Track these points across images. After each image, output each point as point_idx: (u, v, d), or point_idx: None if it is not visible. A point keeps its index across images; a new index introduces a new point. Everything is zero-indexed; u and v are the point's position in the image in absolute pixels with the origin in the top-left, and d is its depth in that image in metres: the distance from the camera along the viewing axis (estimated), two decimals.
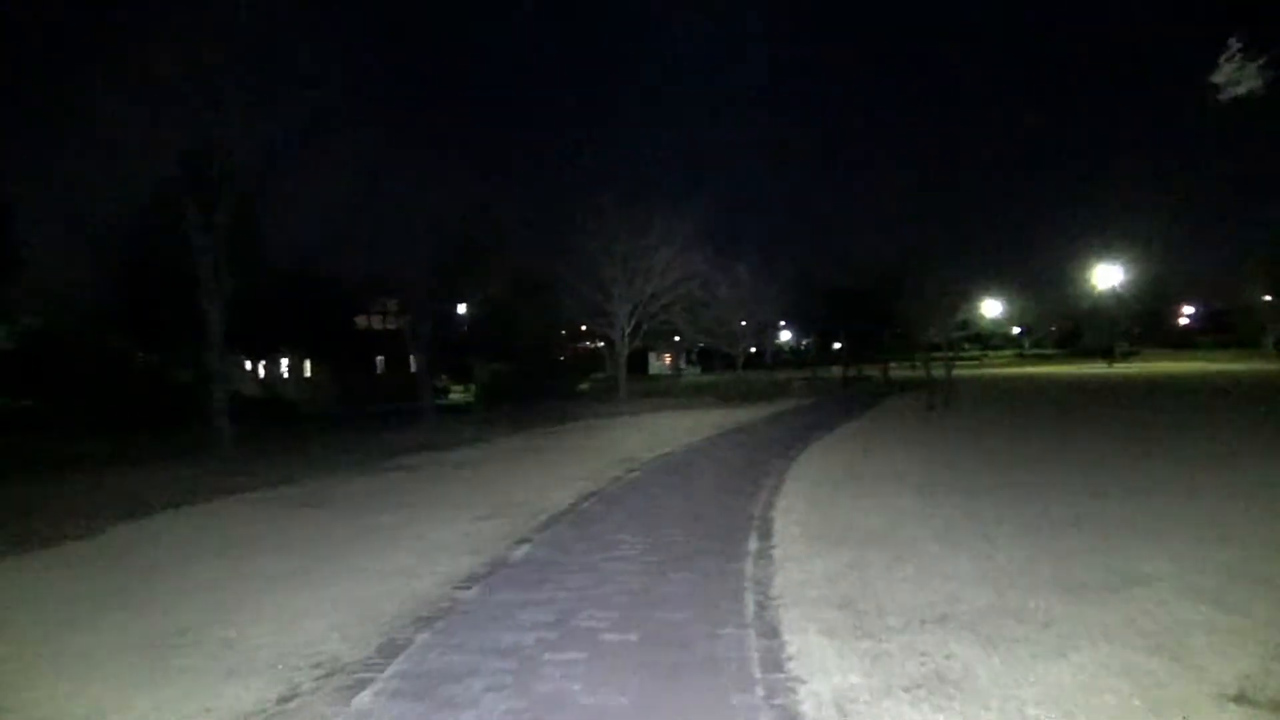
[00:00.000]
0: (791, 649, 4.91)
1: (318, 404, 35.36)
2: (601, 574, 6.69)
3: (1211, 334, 74.52)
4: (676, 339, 68.85)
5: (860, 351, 50.27)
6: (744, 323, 36.16)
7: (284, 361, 38.35)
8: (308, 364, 38.60)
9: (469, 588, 6.46)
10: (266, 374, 37.49)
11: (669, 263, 31.20)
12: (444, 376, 54.43)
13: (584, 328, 63.80)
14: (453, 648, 5.07)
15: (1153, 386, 31.53)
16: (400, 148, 25.61)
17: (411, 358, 24.24)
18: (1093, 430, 16.72)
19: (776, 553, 7.31)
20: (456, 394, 50.78)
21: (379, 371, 37.07)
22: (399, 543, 8.24)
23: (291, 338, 33.94)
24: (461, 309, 40.27)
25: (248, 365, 37.04)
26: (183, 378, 32.49)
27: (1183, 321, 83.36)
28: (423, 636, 5.30)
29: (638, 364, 66.37)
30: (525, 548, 7.78)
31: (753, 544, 7.66)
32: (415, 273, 22.88)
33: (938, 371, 26.22)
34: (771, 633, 5.20)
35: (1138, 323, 69.94)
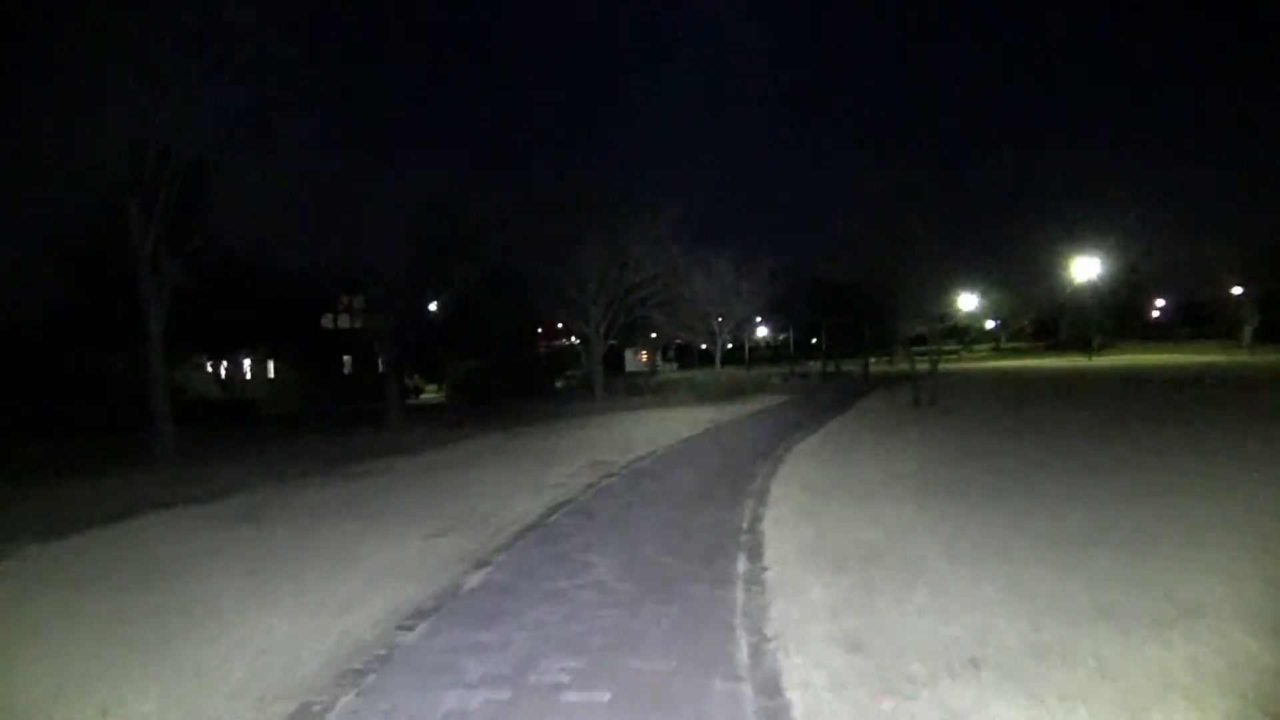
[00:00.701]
0: (798, 712, 4.01)
1: (281, 405, 34.10)
2: (569, 605, 5.76)
3: (1188, 326, 74.72)
4: (653, 335, 68.09)
5: (839, 347, 49.68)
6: (720, 319, 35.37)
7: (246, 362, 36.99)
8: (271, 364, 37.31)
9: (412, 626, 5.49)
10: (229, 375, 36.11)
11: (646, 255, 30.29)
12: (416, 375, 53.34)
13: (560, 325, 62.90)
14: (381, 716, 4.11)
15: (1140, 379, 31.08)
16: (366, 137, 24.36)
17: (394, 356, 23.05)
18: (1091, 425, 16.01)
19: (769, 576, 6.41)
20: (429, 393, 49.74)
21: (347, 371, 35.84)
22: (342, 568, 7.25)
23: (253, 336, 32.62)
24: (432, 305, 39.31)
25: (209, 366, 35.63)
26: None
27: (1154, 314, 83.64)
28: (346, 700, 4.33)
29: (614, 361, 65.44)
30: (484, 572, 6.82)
31: (741, 564, 6.76)
32: (379, 267, 21.75)
33: (922, 366, 25.49)
34: (772, 688, 4.29)
35: (1111, 316, 69.99)
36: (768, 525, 8.31)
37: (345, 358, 36.62)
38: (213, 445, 20.23)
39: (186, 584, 6.92)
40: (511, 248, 32.01)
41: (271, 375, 37.30)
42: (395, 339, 22.48)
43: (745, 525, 8.33)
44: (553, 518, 9.07)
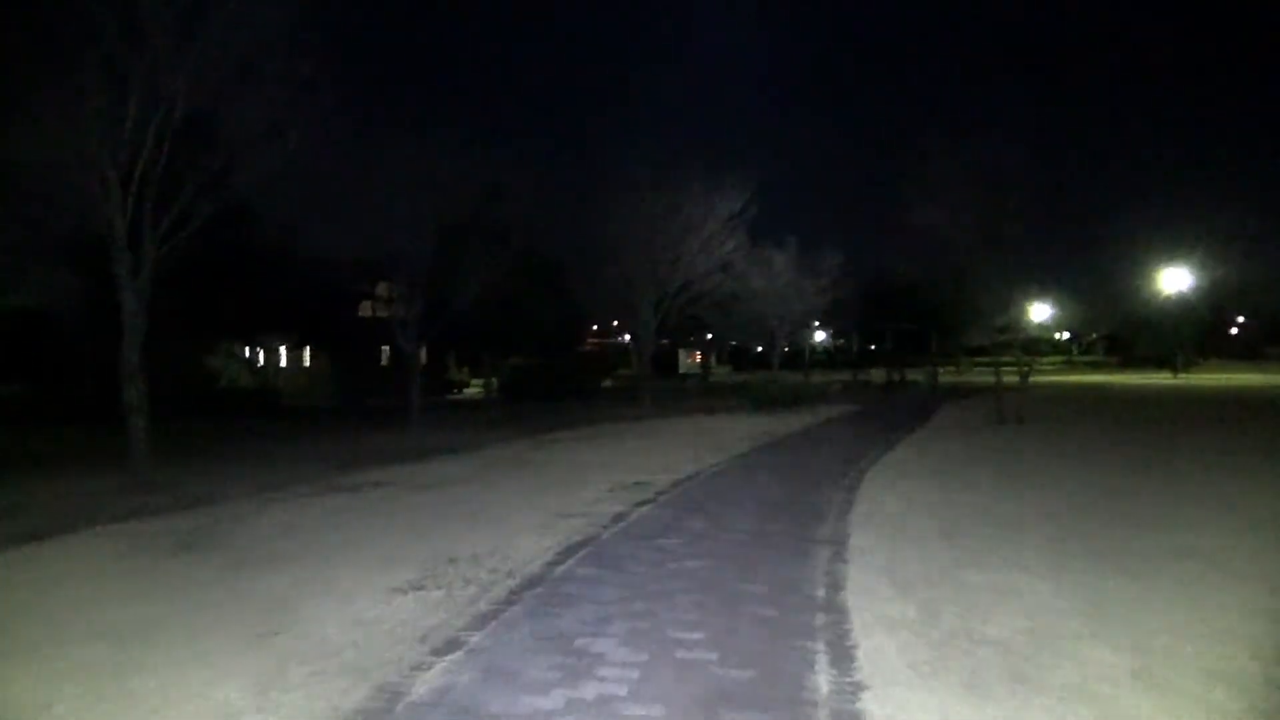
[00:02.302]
0: None
1: (313, 396, 32.67)
2: None
3: (1278, 346, 69.65)
4: (708, 336, 65.68)
5: (903, 354, 46.70)
6: (776, 322, 32.95)
7: (282, 349, 35.70)
8: (306, 352, 35.96)
9: None
10: (265, 363, 34.84)
11: (699, 250, 27.98)
12: (465, 369, 51.83)
13: (615, 322, 60.79)
14: None
15: (1247, 402, 27.72)
16: (403, 118, 22.55)
17: (417, 348, 21.27)
18: (1232, 461, 13.30)
19: (868, 705, 4.14)
20: (474, 388, 48.10)
21: (383, 362, 34.26)
22: (254, 643, 5.18)
23: (285, 323, 31.23)
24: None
25: (246, 353, 34.40)
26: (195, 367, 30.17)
27: (1233, 331, 77.94)
28: None
29: (666, 362, 63.32)
30: (441, 667, 4.68)
31: (823, 677, 4.50)
32: (403, 251, 19.91)
33: (1009, 378, 22.78)
34: None
35: (1196, 332, 65.26)
36: (852, 596, 6.01)
37: (383, 348, 34.98)
38: (212, 441, 18.64)
39: (34, 659, 4.92)
40: (549, 236, 30.12)
41: (306, 364, 35.98)
42: (418, 329, 20.58)
43: (822, 595, 6.05)
44: (562, 567, 6.89)
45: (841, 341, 73.95)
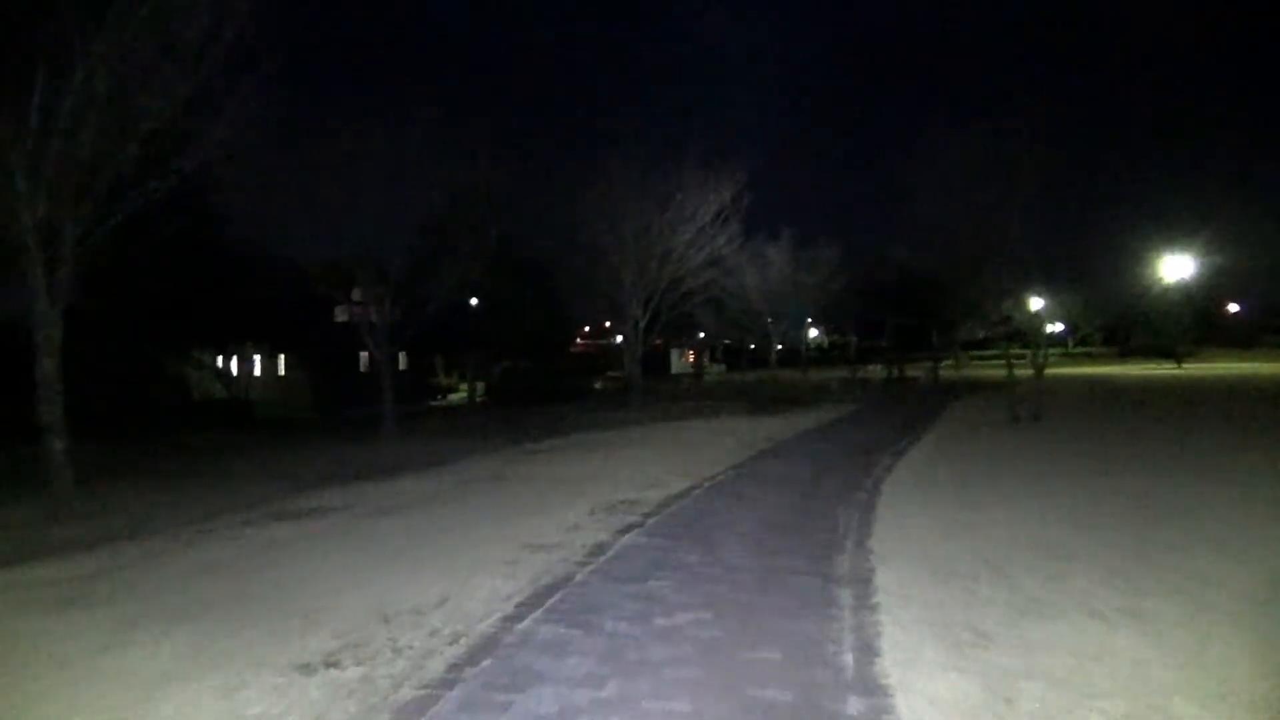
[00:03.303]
0: None
1: (289, 406, 31.18)
2: None
3: (1277, 334, 68.50)
4: (700, 335, 64.33)
5: (900, 349, 45.35)
6: (772, 319, 31.59)
7: (256, 358, 34.20)
8: (281, 361, 34.48)
9: None
10: (238, 372, 33.34)
11: (691, 245, 26.63)
12: (453, 374, 50.35)
13: (608, 323, 59.34)
14: None
15: (1266, 394, 26.43)
16: (378, 109, 21.05)
17: (390, 353, 19.91)
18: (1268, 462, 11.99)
19: None
20: (462, 393, 46.64)
21: (362, 369, 32.78)
22: None
23: (257, 331, 29.74)
24: (472, 302, 36.22)
25: (218, 363, 32.91)
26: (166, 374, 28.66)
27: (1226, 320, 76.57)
28: None
29: (658, 362, 61.95)
30: None
31: None
32: (377, 251, 18.59)
33: (1023, 372, 21.48)
34: None
35: (1196, 321, 64.01)
36: (892, 666, 4.64)
37: (363, 355, 33.50)
38: (170, 457, 17.25)
39: None
40: (536, 234, 28.78)
41: (282, 373, 34.49)
42: (391, 334, 19.19)
43: (849, 663, 4.68)
44: (522, 625, 5.51)
45: (837, 338, 72.75)
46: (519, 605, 5.97)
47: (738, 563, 7.01)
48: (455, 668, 4.78)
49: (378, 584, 6.65)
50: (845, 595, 6.03)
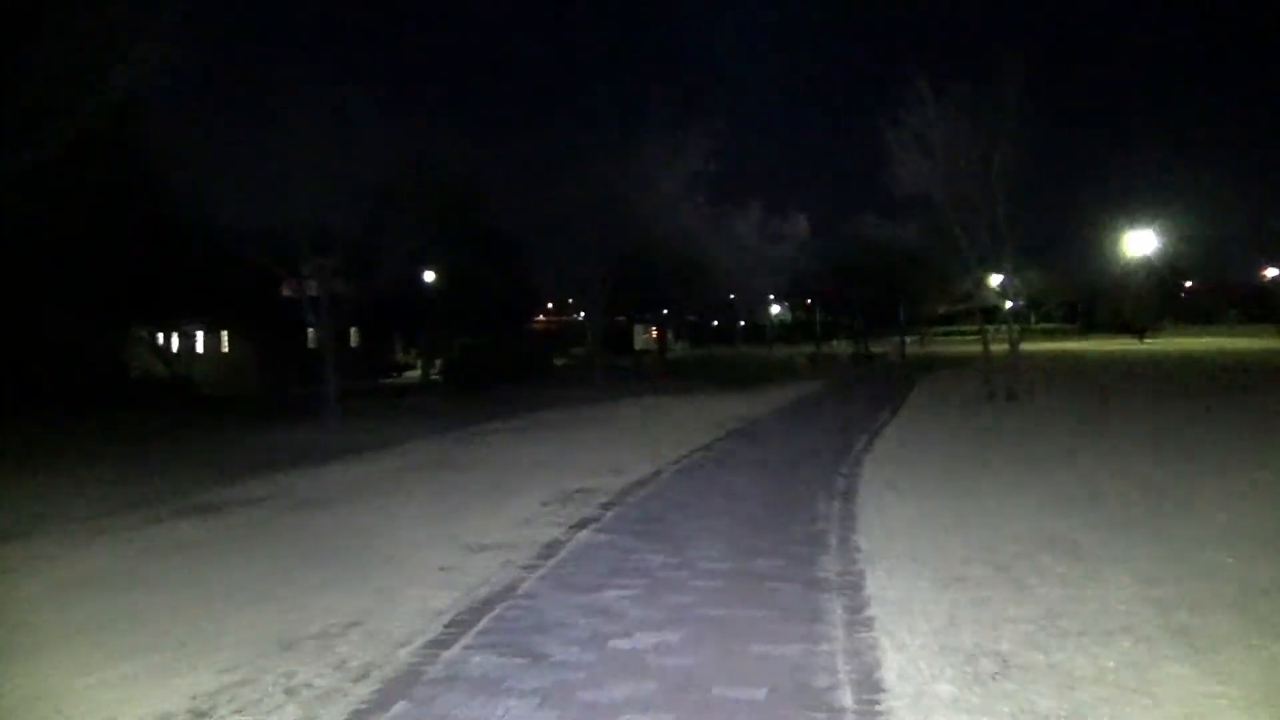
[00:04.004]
0: None
1: (234, 385, 29.70)
2: None
3: (1237, 307, 69.29)
4: (664, 312, 63.34)
5: (869, 325, 44.82)
6: (737, 294, 30.68)
7: (199, 335, 32.59)
8: (225, 337, 32.88)
9: None
10: (180, 349, 31.74)
11: (654, 215, 25.56)
12: (413, 351, 48.88)
13: (571, 300, 58.01)
14: None
15: (1240, 367, 26.17)
16: (320, 66, 19.59)
17: (331, 329, 18.68)
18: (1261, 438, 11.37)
19: None
20: (416, 372, 45.27)
21: (312, 346, 31.34)
22: None
23: (199, 306, 28.17)
24: (429, 276, 34.84)
25: (160, 339, 31.29)
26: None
27: (1181, 296, 77.22)
28: None
29: (622, 339, 60.94)
30: None
31: None
32: (319, 221, 17.29)
33: (998, 346, 20.89)
34: None
35: (1156, 297, 64.46)
36: (899, 706, 3.75)
37: (312, 330, 32.06)
38: (96, 440, 15.94)
39: None
40: (497, 205, 27.53)
41: (226, 350, 32.92)
42: (332, 308, 17.97)
43: (849, 708, 3.77)
44: (450, 652, 4.52)
45: (801, 314, 72.19)
46: (450, 625, 4.98)
47: (708, 565, 6.09)
48: (357, 717, 3.79)
49: (285, 599, 5.63)
50: (835, 607, 5.13)
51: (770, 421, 15.79)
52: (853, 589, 5.50)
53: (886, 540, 6.72)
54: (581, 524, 7.55)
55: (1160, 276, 59.89)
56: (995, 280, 23.40)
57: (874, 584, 5.58)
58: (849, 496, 8.55)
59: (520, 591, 5.59)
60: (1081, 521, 7.07)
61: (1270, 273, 62.78)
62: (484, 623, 4.98)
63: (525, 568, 6.17)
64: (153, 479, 11.38)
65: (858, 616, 4.97)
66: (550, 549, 6.71)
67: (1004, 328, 22.33)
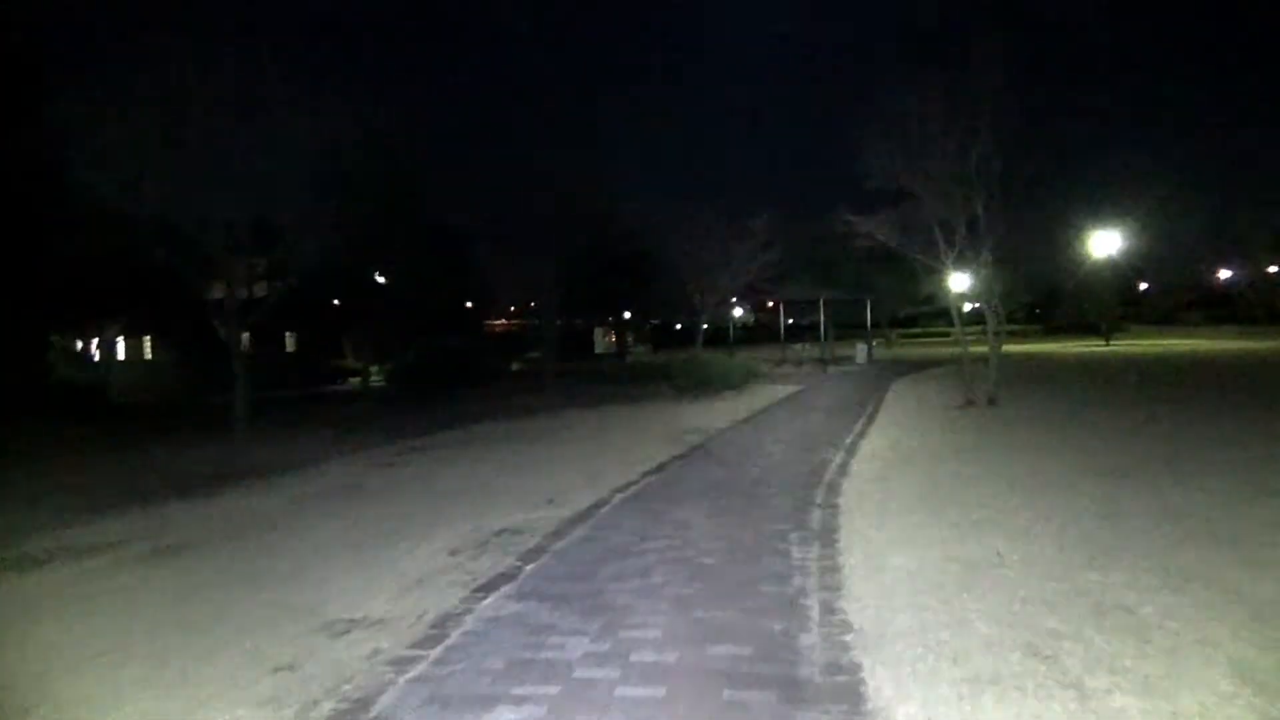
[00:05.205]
0: None
1: (154, 391, 27.49)
2: None
3: (1200, 309, 69.37)
4: (627, 315, 61.64)
5: (834, 327, 43.53)
6: (699, 296, 29.10)
7: (120, 341, 30.27)
8: (147, 342, 30.58)
9: None
10: (100, 355, 29.41)
11: (607, 212, 23.96)
12: (355, 356, 46.69)
13: (533, 303, 56.03)
14: None
15: (1213, 367, 25.18)
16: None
17: (237, 332, 16.76)
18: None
19: None
20: (374, 375, 43.20)
21: (245, 349, 29.23)
22: None
23: (114, 307, 25.94)
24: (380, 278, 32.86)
25: (78, 345, 28.93)
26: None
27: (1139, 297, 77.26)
28: None
29: (581, 342, 59.24)
30: None
31: None
32: (223, 213, 15.46)
33: (978, 349, 19.58)
34: None
35: (1119, 297, 64.18)
36: None
37: (243, 335, 29.96)
38: None
39: None
40: (442, 199, 25.74)
41: (149, 355, 30.63)
42: (243, 310, 16.11)
43: None
44: None
45: (764, 315, 70.92)
46: None
47: (647, 657, 4.45)
48: None
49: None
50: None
51: (733, 434, 14.21)
52: (849, 698, 3.90)
53: (884, 608, 5.15)
54: (491, 584, 5.88)
55: (1127, 278, 59.67)
56: (964, 281, 22.21)
57: (877, 689, 4.00)
58: (829, 537, 6.97)
59: (374, 715, 3.90)
60: (1125, 576, 5.55)
61: (1223, 274, 63.02)
62: None
63: (395, 663, 4.49)
64: (4, 511, 9.55)
65: None
66: (439, 628, 5.03)
67: (982, 328, 21.07)
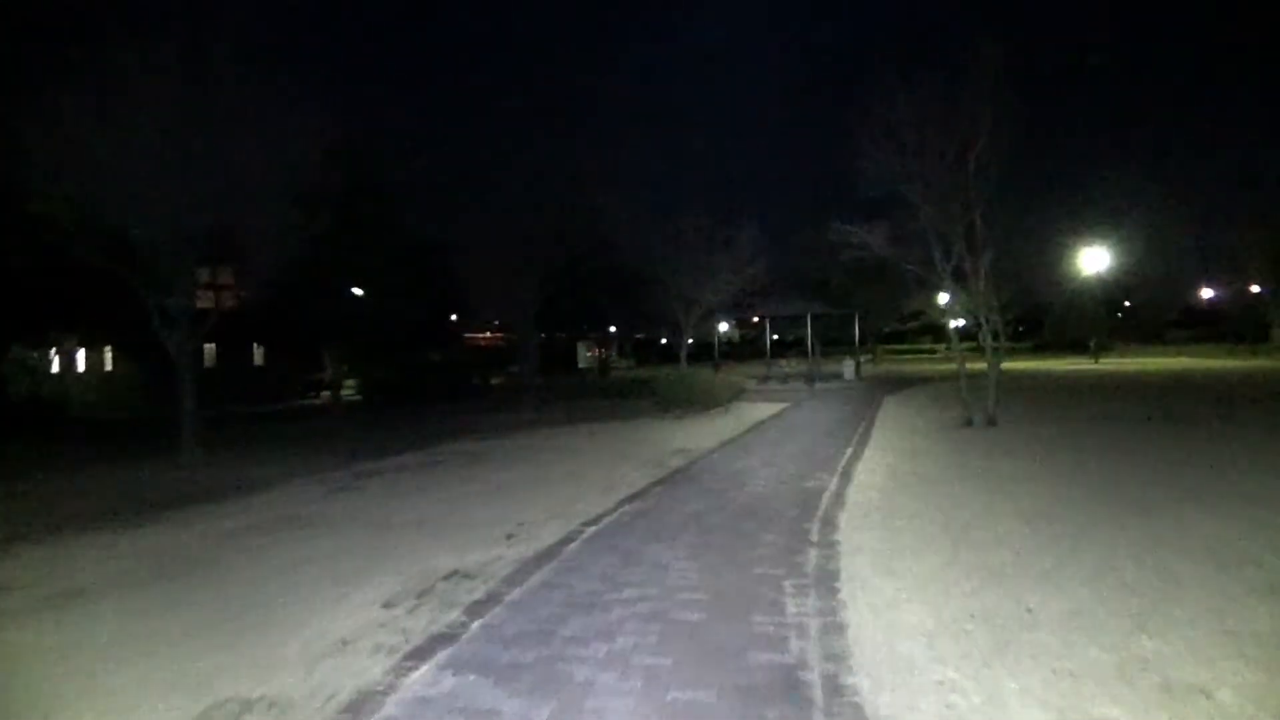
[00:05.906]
0: None
1: (117, 405, 26.30)
2: None
3: (1187, 328, 69.16)
4: (612, 329, 60.75)
5: (822, 343, 42.78)
6: (684, 309, 28.20)
7: (81, 354, 29.05)
8: (109, 354, 29.36)
9: None
10: (60, 368, 28.17)
11: (588, 224, 23.06)
12: (330, 370, 45.54)
13: (503, 315, 54.94)
14: None
15: (1208, 387, 24.46)
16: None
17: (187, 345, 15.62)
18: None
19: None
20: (348, 389, 42.14)
21: (209, 364, 28.13)
22: None
23: (71, 319, 24.77)
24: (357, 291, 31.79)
25: (36, 356, 27.65)
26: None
27: (1119, 315, 76.79)
28: None
29: (565, 356, 58.30)
30: None
31: None
32: (174, 222, 14.43)
33: (977, 366, 18.77)
34: None
35: (1106, 315, 63.77)
36: None
37: (207, 347, 28.83)
38: None
39: None
40: (420, 211, 24.81)
41: (110, 368, 29.41)
42: (190, 324, 15.06)
43: None
44: None
45: (750, 331, 70.16)
46: None
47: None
48: None
49: None
50: None
51: (718, 457, 13.25)
52: None
53: (903, 687, 4.20)
54: (427, 648, 4.89)
55: (1114, 296, 59.26)
56: (959, 295, 21.46)
57: None
58: (828, 585, 6.02)
59: None
60: (1184, 643, 4.62)
61: (1206, 293, 62.78)
62: None
63: None
64: None
65: None
66: (351, 713, 4.04)
67: (974, 345, 20.29)
